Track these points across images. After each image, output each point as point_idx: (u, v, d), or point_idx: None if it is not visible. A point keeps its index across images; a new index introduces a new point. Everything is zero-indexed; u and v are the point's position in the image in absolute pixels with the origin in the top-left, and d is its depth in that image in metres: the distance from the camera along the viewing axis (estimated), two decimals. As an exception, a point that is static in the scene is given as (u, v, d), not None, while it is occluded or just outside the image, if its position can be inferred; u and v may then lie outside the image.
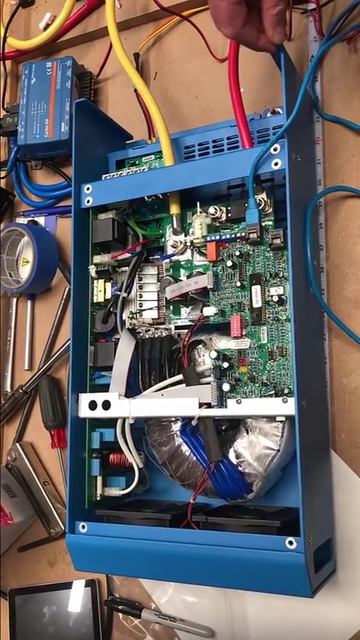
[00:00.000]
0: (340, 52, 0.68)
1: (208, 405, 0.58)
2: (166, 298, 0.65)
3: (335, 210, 0.66)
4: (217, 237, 0.61)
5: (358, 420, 0.62)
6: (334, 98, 0.68)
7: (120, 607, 0.71)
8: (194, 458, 0.62)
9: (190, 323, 0.64)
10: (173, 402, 0.59)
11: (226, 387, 0.57)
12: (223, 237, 0.60)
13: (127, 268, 0.66)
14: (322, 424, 0.62)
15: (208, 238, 0.61)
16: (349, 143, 0.66)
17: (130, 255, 0.66)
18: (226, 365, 0.58)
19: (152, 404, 0.60)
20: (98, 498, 0.63)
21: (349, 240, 0.65)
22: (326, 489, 0.61)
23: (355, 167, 0.66)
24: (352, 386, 0.63)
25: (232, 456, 0.59)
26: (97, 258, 0.66)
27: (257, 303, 0.58)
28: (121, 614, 0.71)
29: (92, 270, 0.66)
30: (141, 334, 0.65)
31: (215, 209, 0.62)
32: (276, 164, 0.57)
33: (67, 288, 0.80)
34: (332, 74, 0.68)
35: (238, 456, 0.59)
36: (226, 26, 0.54)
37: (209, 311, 0.60)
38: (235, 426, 0.61)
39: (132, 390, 0.63)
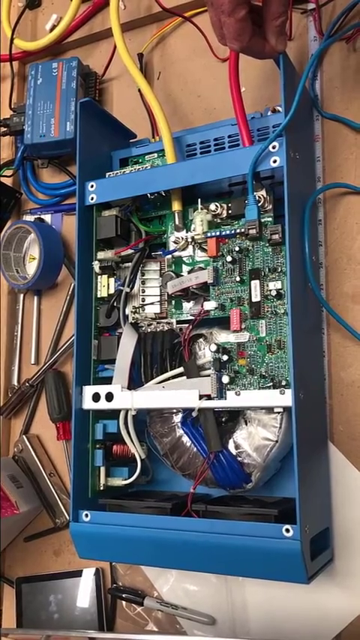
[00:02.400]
0: (340, 52, 0.69)
1: (208, 397, 0.59)
2: (167, 293, 0.66)
3: (334, 207, 0.67)
4: (217, 233, 0.62)
5: (355, 413, 0.63)
6: (333, 97, 0.69)
7: (123, 595, 0.72)
8: (195, 448, 0.63)
9: (191, 317, 0.65)
10: (174, 394, 0.61)
11: (225, 379, 0.59)
12: (223, 233, 0.62)
13: (130, 264, 0.67)
14: (320, 416, 0.63)
15: (209, 234, 0.62)
16: (349, 141, 0.67)
17: (133, 251, 0.67)
18: (225, 358, 0.59)
19: (154, 396, 0.62)
20: (102, 488, 0.65)
21: (347, 237, 0.66)
22: (324, 480, 0.62)
23: (353, 164, 0.67)
24: (349, 379, 0.64)
25: (231, 446, 0.61)
26: (100, 254, 0.68)
27: (256, 297, 0.59)
28: (124, 602, 0.73)
29: (96, 265, 0.68)
30: (143, 328, 0.67)
31: (216, 206, 0.63)
32: (274, 161, 0.58)
33: (73, 284, 0.81)
34: (332, 73, 0.69)
35: (237, 447, 0.61)
36: (233, 42, 0.56)
37: (209, 305, 0.62)
38: (235, 417, 0.62)
39: (134, 382, 0.64)
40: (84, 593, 0.75)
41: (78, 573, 0.76)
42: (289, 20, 0.70)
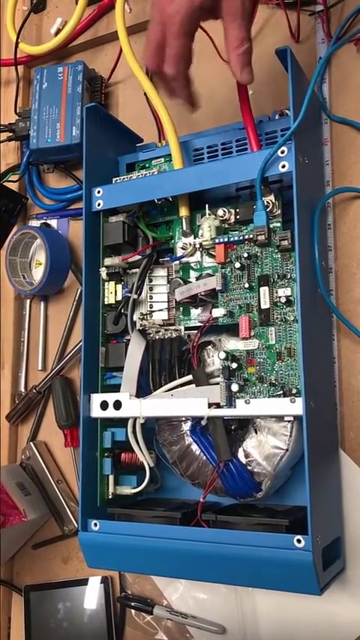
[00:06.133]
0: (348, 54, 0.68)
1: (217, 405, 0.59)
2: (175, 300, 0.65)
3: (343, 211, 0.66)
4: (226, 239, 0.61)
5: (366, 420, 0.63)
6: (342, 99, 0.68)
7: (132, 603, 0.72)
8: (204, 457, 0.63)
9: (199, 324, 0.65)
10: (183, 402, 0.60)
11: (234, 387, 0.58)
12: (232, 239, 0.61)
13: (137, 270, 0.67)
14: (331, 424, 0.62)
15: (217, 240, 0.62)
16: (358, 144, 0.66)
17: (140, 257, 0.67)
18: (234, 365, 0.59)
19: (162, 404, 0.61)
20: (110, 497, 0.64)
21: (357, 241, 0.65)
22: (335, 488, 0.61)
23: (363, 168, 0.66)
24: (360, 386, 0.63)
25: (241, 455, 0.60)
26: (107, 261, 0.67)
27: (265, 304, 0.59)
28: (133, 611, 0.72)
29: (103, 272, 0.67)
30: (151, 335, 0.66)
31: (224, 211, 0.62)
32: (283, 166, 0.57)
33: (80, 290, 0.81)
34: (340, 76, 0.68)
35: (247, 456, 0.60)
36: (171, 66, 0.54)
37: (218, 312, 0.61)
38: (245, 425, 0.61)
39: (142, 390, 0.64)
40: (93, 601, 0.75)
41: (86, 581, 0.76)
42: (297, 23, 0.69)
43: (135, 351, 0.64)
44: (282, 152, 0.57)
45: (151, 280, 0.67)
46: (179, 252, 0.67)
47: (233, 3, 0.52)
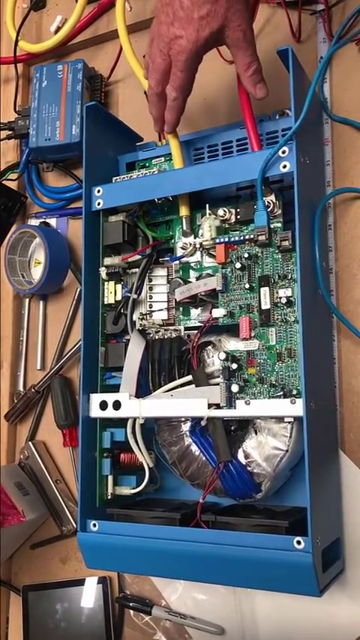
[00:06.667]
0: (350, 53, 0.68)
1: (217, 406, 0.59)
2: (175, 300, 0.65)
3: (344, 212, 0.66)
4: (226, 240, 0.61)
5: (366, 421, 0.63)
6: (343, 99, 0.68)
7: (131, 604, 0.72)
8: (204, 458, 0.62)
9: (199, 324, 0.64)
10: (183, 403, 0.60)
11: (234, 388, 0.58)
12: (232, 239, 0.61)
13: (137, 270, 0.67)
14: (331, 425, 0.62)
15: (217, 240, 0.61)
16: (359, 144, 0.66)
17: (140, 256, 0.67)
18: (234, 366, 0.58)
19: (162, 404, 0.61)
20: (109, 497, 0.64)
21: (358, 242, 0.65)
22: (335, 489, 0.61)
23: (364, 168, 0.66)
24: (360, 386, 0.63)
25: (241, 456, 0.60)
26: (107, 260, 0.67)
27: (266, 304, 0.58)
28: (132, 611, 0.72)
29: (103, 272, 0.67)
30: (151, 335, 0.66)
31: (224, 211, 0.62)
32: (284, 167, 0.57)
33: (79, 289, 0.81)
34: (341, 75, 0.68)
35: (247, 456, 0.60)
36: (175, 90, 0.58)
37: (218, 312, 0.61)
38: (244, 426, 0.61)
39: (142, 390, 0.64)
40: (91, 601, 0.75)
41: (85, 582, 0.76)
42: (298, 22, 0.69)
43: (134, 351, 0.64)
44: (283, 152, 0.57)
45: (150, 280, 0.67)
46: (179, 252, 0.67)
47: (236, 35, 0.56)
